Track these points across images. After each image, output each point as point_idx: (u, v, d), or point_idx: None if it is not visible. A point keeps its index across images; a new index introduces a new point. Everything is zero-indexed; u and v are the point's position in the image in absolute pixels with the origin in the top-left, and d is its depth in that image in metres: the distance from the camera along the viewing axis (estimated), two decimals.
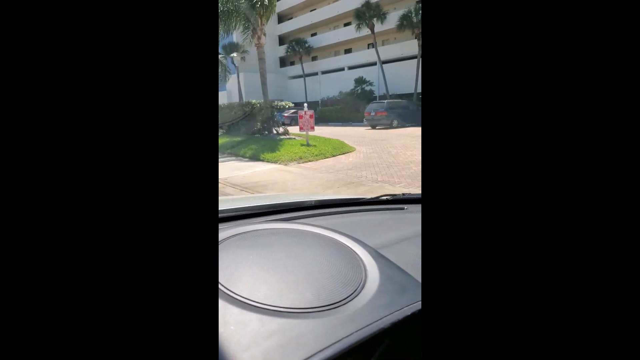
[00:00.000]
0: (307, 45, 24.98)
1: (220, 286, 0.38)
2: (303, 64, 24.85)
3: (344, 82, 22.12)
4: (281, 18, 28.19)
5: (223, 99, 26.19)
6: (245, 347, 0.31)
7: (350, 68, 23.41)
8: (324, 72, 25.20)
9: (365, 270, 0.45)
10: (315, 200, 0.95)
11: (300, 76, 25.06)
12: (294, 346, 0.31)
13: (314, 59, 26.50)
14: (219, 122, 11.03)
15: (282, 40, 29.43)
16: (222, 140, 8.69)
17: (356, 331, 0.34)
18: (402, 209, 0.93)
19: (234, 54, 22.89)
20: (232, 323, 0.33)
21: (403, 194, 1.05)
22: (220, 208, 0.77)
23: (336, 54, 25.56)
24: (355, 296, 0.40)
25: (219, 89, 26.24)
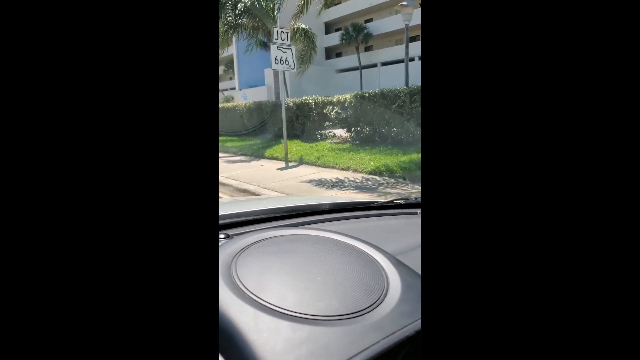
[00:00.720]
0: (365, 31, 21.16)
1: (249, 293, 0.39)
2: (352, 55, 21.06)
3: (413, 75, 18.27)
4: (329, 2, 24.48)
5: (262, 95, 22.64)
6: (279, 354, 0.32)
7: (420, 58, 19.52)
8: (384, 64, 21.35)
9: (387, 277, 0.46)
10: (330, 204, 0.99)
11: (354, 69, 21.29)
12: (324, 354, 0.33)
13: (368, 49, 22.68)
14: (347, 124, 7.13)
15: (328, 28, 25.72)
16: (380, 160, 4.95)
17: (382, 339, 0.35)
18: (415, 213, 0.93)
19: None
20: (264, 330, 0.34)
21: (416, 198, 1.05)
22: (237, 211, 0.82)
23: (398, 42, 21.67)
24: (379, 304, 0.40)
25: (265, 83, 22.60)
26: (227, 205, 1.04)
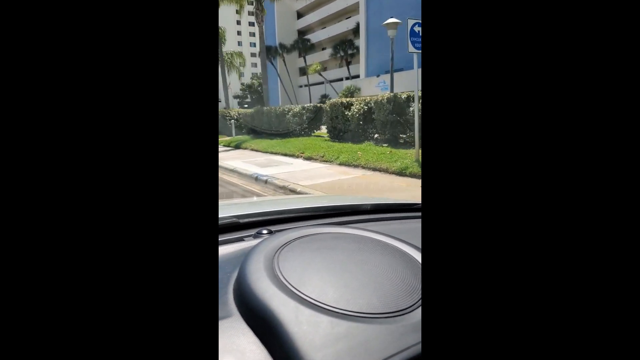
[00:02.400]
0: None
1: (291, 286, 0.40)
2: None
3: None
4: None
5: (401, 83, 14.52)
6: (318, 348, 0.32)
7: None
8: None
9: None
10: (372, 204, 0.97)
11: None
12: (363, 350, 0.33)
13: None
14: None
15: None
16: None
17: None
18: None
19: None
20: (304, 323, 0.35)
21: None
22: (280, 208, 0.87)
23: None
24: (420, 305, 0.39)
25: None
26: (271, 203, 1.14)
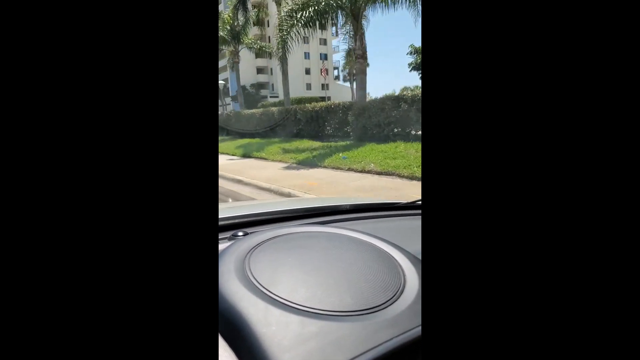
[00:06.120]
0: None
1: (261, 287, 0.39)
2: None
3: None
4: None
5: None
6: (287, 348, 0.32)
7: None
8: None
9: (404, 275, 0.46)
10: (350, 205, 0.98)
11: None
12: (334, 349, 0.32)
13: None
14: None
15: None
16: None
17: (396, 336, 0.35)
18: None
19: None
20: (273, 324, 0.34)
21: None
22: (257, 211, 0.85)
23: None
24: (395, 301, 0.40)
25: None
26: (249, 207, 1.10)
